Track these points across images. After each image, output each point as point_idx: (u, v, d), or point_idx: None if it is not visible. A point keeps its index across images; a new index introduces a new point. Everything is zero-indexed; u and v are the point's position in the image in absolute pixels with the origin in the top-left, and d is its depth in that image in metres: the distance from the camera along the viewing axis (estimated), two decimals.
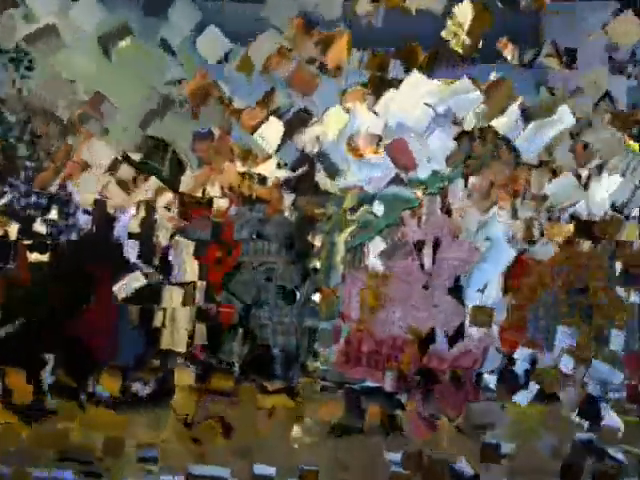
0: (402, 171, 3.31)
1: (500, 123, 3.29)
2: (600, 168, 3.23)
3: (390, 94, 3.31)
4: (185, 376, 3.27)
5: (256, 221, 3.32)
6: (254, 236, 3.31)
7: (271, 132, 3.30)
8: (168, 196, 3.30)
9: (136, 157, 3.30)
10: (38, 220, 3.27)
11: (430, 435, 3.21)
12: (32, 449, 3.16)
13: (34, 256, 3.25)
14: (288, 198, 3.30)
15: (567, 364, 3.23)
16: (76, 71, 3.25)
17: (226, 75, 3.26)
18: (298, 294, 3.31)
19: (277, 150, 3.30)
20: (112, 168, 3.29)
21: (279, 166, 3.31)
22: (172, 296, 3.30)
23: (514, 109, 3.27)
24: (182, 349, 3.29)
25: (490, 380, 3.27)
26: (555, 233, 3.25)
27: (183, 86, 3.28)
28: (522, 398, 3.23)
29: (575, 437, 3.21)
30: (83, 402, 3.23)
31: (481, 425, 3.20)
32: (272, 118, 3.29)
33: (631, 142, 3.22)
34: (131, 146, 3.29)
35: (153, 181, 3.30)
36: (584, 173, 3.24)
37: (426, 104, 3.28)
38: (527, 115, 3.28)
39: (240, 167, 3.29)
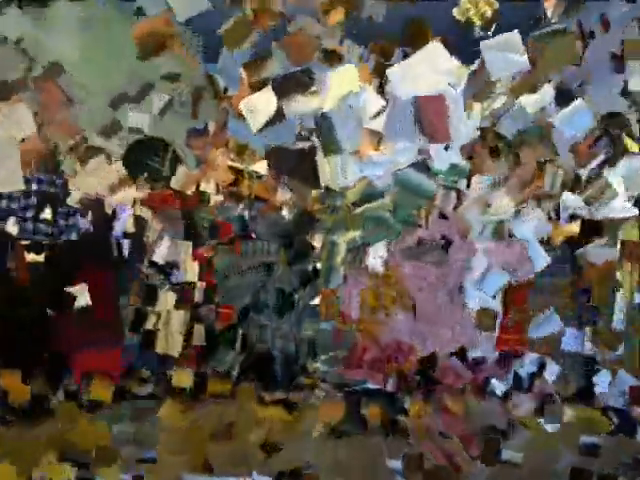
0: (430, 140, 2.95)
1: (530, 101, 3.00)
2: (601, 168, 3.19)
3: (404, 63, 2.98)
4: (184, 378, 3.22)
5: (249, 218, 3.25)
6: (253, 235, 3.27)
7: (261, 103, 3.01)
8: (132, 188, 3.21)
9: (99, 141, 3.18)
10: (11, 220, 3.21)
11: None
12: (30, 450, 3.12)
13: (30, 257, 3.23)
14: (284, 194, 3.19)
15: (604, 381, 3.17)
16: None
17: (220, 66, 3.15)
18: (296, 297, 3.25)
19: (267, 125, 3.04)
20: (74, 149, 3.17)
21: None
22: (167, 299, 3.26)
23: (548, 90, 2.99)
24: (177, 353, 3.23)
25: (497, 386, 3.21)
26: (557, 233, 3.21)
27: (136, 27, 3.03)
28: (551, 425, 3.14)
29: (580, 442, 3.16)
30: (83, 403, 3.19)
31: (484, 427, 3.15)
32: (266, 89, 3.01)
33: (629, 142, 3.19)
34: (97, 127, 3.18)
35: (116, 170, 3.20)
36: (585, 173, 3.21)
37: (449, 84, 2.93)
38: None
39: (238, 165, 3.23)
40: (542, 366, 3.22)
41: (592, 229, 3.20)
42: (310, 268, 3.25)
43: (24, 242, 3.20)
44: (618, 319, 3.13)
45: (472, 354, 3.21)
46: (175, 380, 3.20)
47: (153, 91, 3.18)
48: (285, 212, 3.22)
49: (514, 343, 3.21)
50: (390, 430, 3.15)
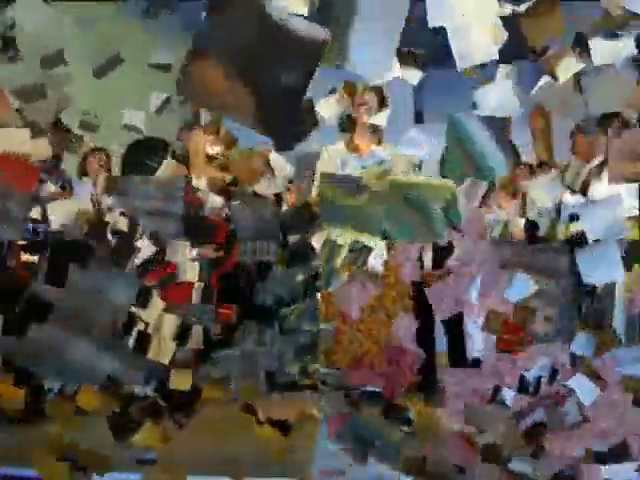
0: None
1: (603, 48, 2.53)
2: (601, 167, 3.16)
3: None
4: (183, 380, 3.14)
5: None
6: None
7: None
8: None
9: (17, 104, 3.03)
10: None
11: None
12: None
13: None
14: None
15: None
16: None
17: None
18: (288, 313, 3.18)
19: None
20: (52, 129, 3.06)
21: None
22: (155, 304, 3.18)
23: (628, 42, 2.53)
24: (167, 360, 3.14)
25: (507, 394, 3.12)
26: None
27: None
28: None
29: None
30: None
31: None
32: None
33: None
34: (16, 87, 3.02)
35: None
36: (584, 172, 3.18)
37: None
38: None
39: (218, 155, 3.14)
40: (554, 372, 3.12)
41: None
42: (310, 274, 3.19)
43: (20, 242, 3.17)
44: None
45: (472, 354, 3.14)
46: (174, 383, 3.11)
47: (119, 67, 3.06)
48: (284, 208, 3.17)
49: (514, 343, 3.13)
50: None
